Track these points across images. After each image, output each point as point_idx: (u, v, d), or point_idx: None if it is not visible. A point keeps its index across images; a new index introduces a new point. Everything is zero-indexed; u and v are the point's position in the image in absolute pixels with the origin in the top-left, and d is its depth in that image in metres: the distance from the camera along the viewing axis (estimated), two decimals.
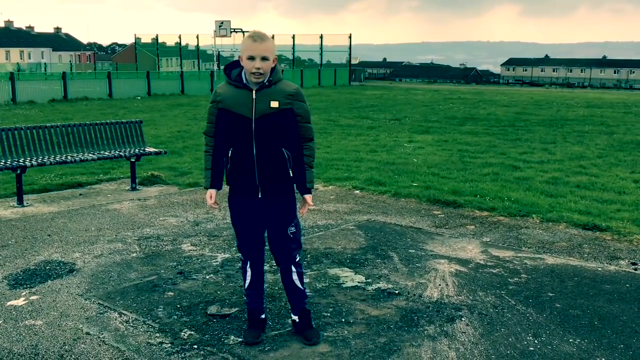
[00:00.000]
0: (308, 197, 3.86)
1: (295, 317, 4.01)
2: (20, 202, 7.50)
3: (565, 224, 6.85)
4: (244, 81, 3.66)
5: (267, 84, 3.65)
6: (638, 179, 9.48)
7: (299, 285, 3.95)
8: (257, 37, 3.57)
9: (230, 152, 3.73)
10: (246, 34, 3.67)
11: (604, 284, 5.05)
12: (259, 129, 3.63)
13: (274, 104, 3.63)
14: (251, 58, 3.56)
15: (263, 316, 4.04)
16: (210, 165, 3.82)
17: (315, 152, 3.91)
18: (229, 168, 3.77)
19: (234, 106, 3.65)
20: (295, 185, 3.85)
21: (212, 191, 3.84)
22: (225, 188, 3.90)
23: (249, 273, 3.94)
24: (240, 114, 3.63)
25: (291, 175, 3.78)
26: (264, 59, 3.56)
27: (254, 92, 3.64)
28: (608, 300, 4.69)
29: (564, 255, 5.80)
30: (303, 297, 3.99)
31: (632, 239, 6.30)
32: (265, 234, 3.91)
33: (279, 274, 4.02)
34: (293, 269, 3.92)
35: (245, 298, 4.05)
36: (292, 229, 3.86)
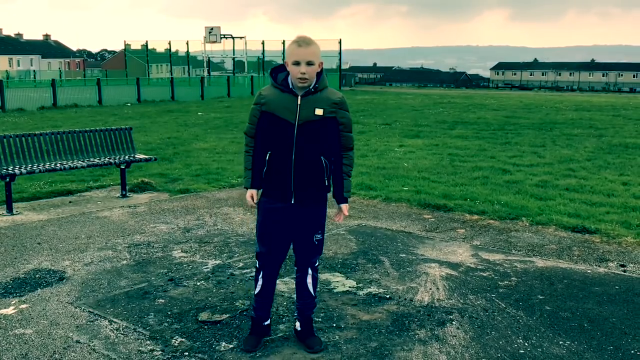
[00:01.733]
0: (345, 206, 3.89)
1: (298, 325, 4.00)
2: (10, 210, 7.46)
3: (554, 227, 6.89)
4: (290, 86, 3.64)
5: (312, 90, 3.62)
6: (626, 182, 9.55)
7: (311, 291, 3.94)
8: (302, 41, 3.54)
9: (268, 155, 3.71)
10: (292, 39, 3.64)
11: (593, 286, 5.08)
12: (300, 135, 3.61)
13: (319, 112, 3.62)
14: (296, 63, 3.53)
15: (267, 322, 4.02)
16: (251, 166, 3.80)
17: (354, 162, 3.90)
18: (265, 171, 3.73)
19: (278, 110, 3.63)
20: (331, 193, 3.84)
21: (253, 191, 3.82)
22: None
23: (260, 283, 3.91)
24: (283, 118, 3.61)
25: (326, 184, 3.78)
26: (309, 63, 3.53)
27: (299, 97, 3.62)
28: (597, 302, 4.72)
29: (553, 258, 5.83)
30: (311, 305, 3.98)
31: (621, 241, 6.35)
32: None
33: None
34: (309, 271, 3.92)
35: (252, 303, 4.04)
36: (318, 237, 3.87)
